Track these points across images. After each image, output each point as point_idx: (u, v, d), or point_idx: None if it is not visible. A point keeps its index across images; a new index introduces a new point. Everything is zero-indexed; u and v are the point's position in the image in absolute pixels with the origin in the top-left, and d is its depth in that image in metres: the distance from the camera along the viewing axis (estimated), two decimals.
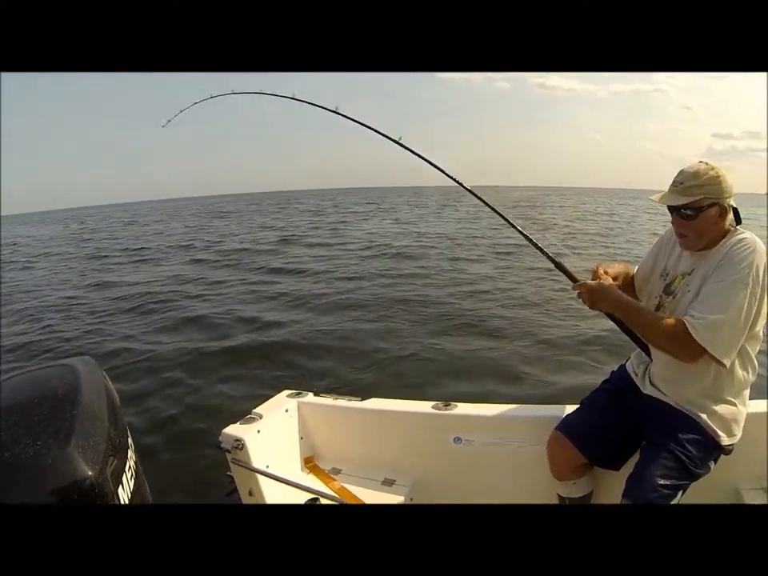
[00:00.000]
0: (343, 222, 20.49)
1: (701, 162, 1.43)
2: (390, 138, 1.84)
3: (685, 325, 1.33)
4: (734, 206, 1.42)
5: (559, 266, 1.62)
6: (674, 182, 1.43)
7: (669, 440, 1.42)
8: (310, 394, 2.27)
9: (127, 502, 1.19)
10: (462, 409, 1.94)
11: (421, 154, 1.83)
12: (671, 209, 1.44)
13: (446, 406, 1.96)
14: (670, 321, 1.37)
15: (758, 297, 1.32)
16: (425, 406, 2.00)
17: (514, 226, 1.74)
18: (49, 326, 6.86)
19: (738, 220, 1.44)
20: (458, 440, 1.91)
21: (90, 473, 1.07)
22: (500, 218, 1.77)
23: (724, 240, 1.41)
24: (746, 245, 1.36)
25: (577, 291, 1.52)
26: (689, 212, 1.40)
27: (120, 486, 1.18)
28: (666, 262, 1.58)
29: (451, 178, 1.78)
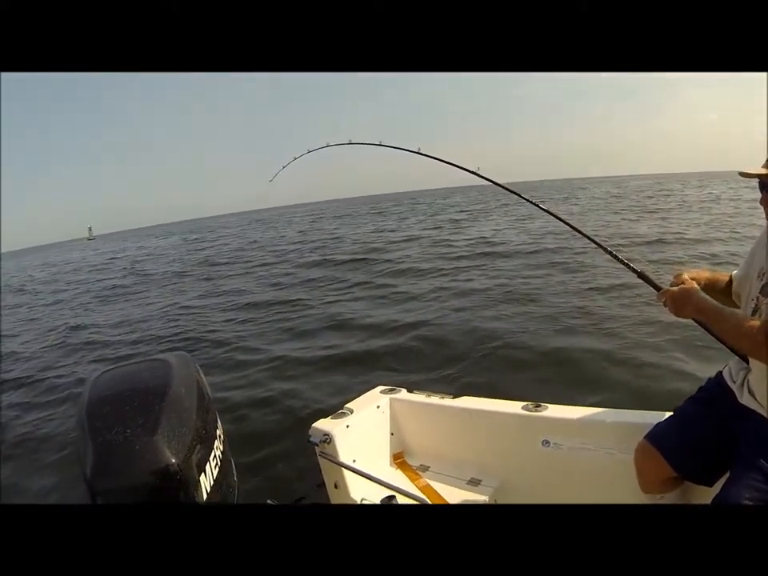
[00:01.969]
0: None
1: None
2: (469, 170, 2.02)
3: None
4: None
5: (642, 276, 1.58)
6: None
7: (762, 458, 1.27)
8: (404, 391, 2.29)
9: (209, 488, 1.28)
10: (552, 411, 1.90)
11: (500, 183, 2.06)
12: (762, 186, 1.30)
13: (537, 407, 1.92)
14: (755, 323, 1.24)
15: None
16: (515, 407, 1.97)
17: (599, 243, 1.73)
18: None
19: None
20: (546, 443, 1.86)
21: (173, 460, 1.17)
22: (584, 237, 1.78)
23: None
24: None
25: (662, 300, 1.45)
26: None
27: (203, 474, 1.27)
28: (764, 261, 1.42)
29: (534, 203, 1.95)
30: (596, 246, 1.73)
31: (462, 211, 24.71)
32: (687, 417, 1.55)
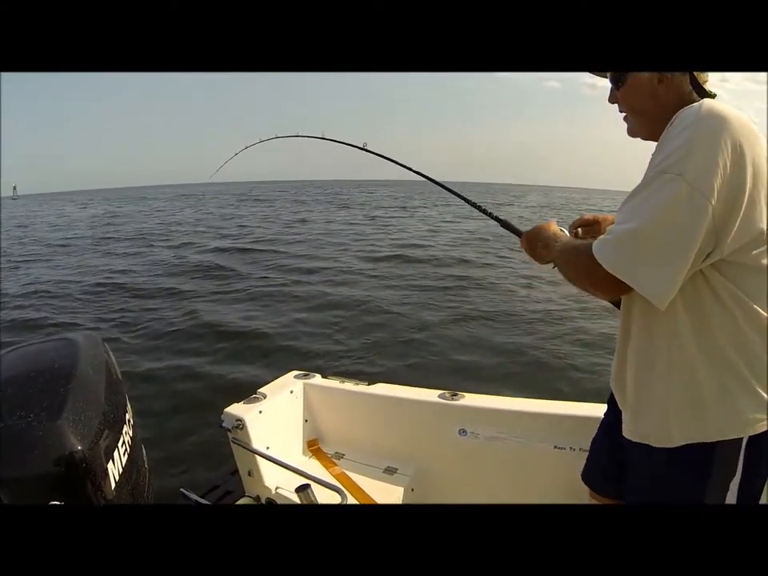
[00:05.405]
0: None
1: None
2: (407, 167, 1.91)
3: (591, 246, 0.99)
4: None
5: (505, 224, 1.51)
6: None
7: (649, 493, 1.12)
8: (318, 376, 2.25)
9: (118, 476, 1.20)
10: (470, 400, 1.90)
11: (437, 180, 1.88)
12: (611, 79, 1.14)
13: (454, 396, 1.92)
14: (584, 246, 1.03)
15: (706, 192, 0.85)
16: (432, 395, 1.96)
17: (460, 195, 1.68)
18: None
19: (702, 93, 1.01)
20: (462, 432, 1.86)
21: (79, 447, 1.09)
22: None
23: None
24: (686, 117, 0.92)
25: (523, 246, 1.32)
26: (616, 77, 1.11)
27: (111, 461, 1.19)
28: None
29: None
30: (460, 199, 1.67)
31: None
32: (602, 444, 1.43)
